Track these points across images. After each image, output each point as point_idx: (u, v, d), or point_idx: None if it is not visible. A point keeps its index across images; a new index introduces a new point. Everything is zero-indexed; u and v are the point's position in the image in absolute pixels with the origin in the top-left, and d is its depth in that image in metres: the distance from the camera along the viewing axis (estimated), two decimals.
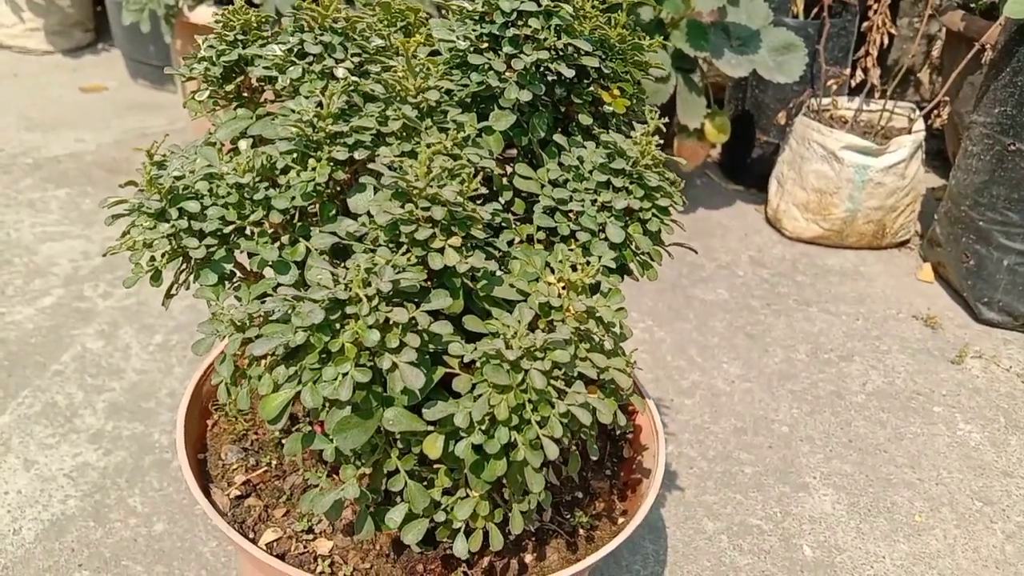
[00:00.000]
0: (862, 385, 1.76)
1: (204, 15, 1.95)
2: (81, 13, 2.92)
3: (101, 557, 1.25)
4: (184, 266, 0.76)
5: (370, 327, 0.61)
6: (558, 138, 0.78)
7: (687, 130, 2.08)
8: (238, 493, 0.89)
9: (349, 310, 0.62)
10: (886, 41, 2.19)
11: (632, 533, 0.87)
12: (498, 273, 0.70)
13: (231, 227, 0.71)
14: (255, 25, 0.80)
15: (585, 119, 0.81)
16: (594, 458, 0.78)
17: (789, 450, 1.58)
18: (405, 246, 0.65)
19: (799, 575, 1.33)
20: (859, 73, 2.22)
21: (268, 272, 0.74)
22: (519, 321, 0.65)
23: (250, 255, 0.74)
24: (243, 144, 0.75)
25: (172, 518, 1.32)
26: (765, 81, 2.31)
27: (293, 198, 0.70)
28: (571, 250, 0.72)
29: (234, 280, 0.77)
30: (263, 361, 0.70)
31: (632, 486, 0.98)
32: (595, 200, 0.75)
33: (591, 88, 0.83)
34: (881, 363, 1.83)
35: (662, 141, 0.76)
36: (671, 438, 1.59)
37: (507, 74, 0.76)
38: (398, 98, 0.72)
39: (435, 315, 0.66)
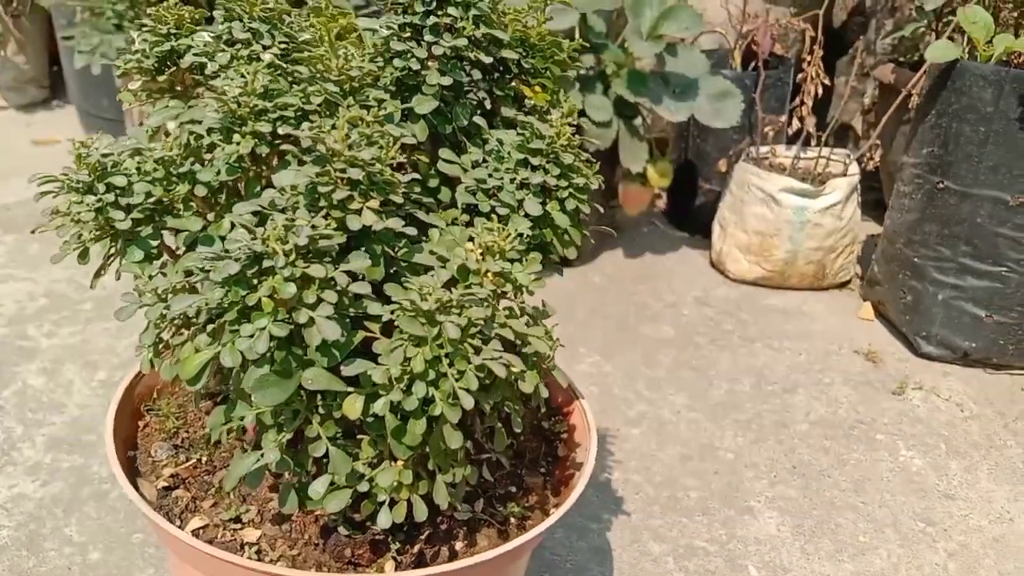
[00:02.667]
0: (805, 415, 1.79)
1: None
2: (36, 70, 2.96)
3: None
4: (112, 246, 0.78)
5: (287, 280, 0.63)
6: (479, 120, 0.82)
7: (631, 174, 2.14)
8: (166, 485, 0.88)
9: (266, 264, 0.63)
10: (820, 92, 2.30)
11: (563, 517, 0.88)
12: (419, 243, 0.72)
13: (156, 202, 0.73)
14: (188, 21, 0.84)
15: (508, 111, 0.85)
16: (517, 430, 0.79)
17: (734, 476, 1.59)
18: (324, 209, 0.68)
19: None
20: (795, 122, 2.32)
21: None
22: (437, 281, 0.67)
23: (176, 233, 0.76)
24: (171, 124, 0.77)
25: (109, 547, 1.29)
26: (706, 131, 2.40)
27: (218, 172, 0.72)
28: (491, 223, 0.75)
29: (161, 260, 0.78)
30: (186, 333, 0.71)
31: (565, 481, 0.99)
32: (514, 179, 0.78)
33: (513, 83, 0.87)
34: (824, 394, 1.86)
35: (576, 124, 0.80)
36: (617, 465, 1.60)
37: (429, 62, 0.80)
38: (321, 78, 0.75)
39: (355, 279, 0.68)
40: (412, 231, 0.69)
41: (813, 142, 2.32)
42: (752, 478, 1.59)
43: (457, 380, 0.65)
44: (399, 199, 0.69)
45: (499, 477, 0.97)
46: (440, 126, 0.83)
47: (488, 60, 0.78)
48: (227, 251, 0.64)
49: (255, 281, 0.64)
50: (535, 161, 0.78)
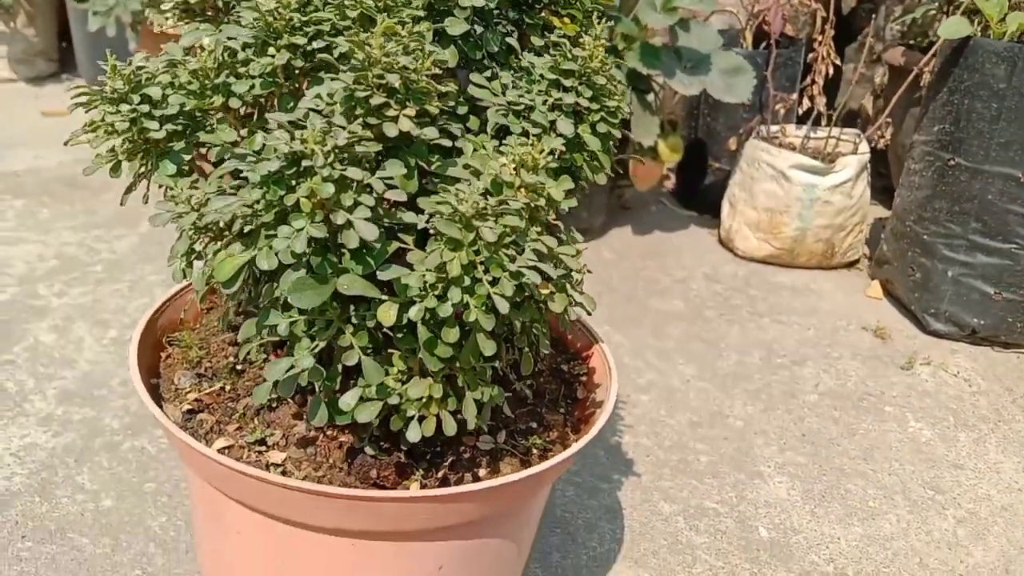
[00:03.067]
0: (814, 386, 1.80)
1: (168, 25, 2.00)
2: (45, 43, 2.96)
3: (46, 530, 1.22)
4: (144, 163, 0.78)
5: (325, 180, 0.63)
6: (512, 41, 0.82)
7: (642, 148, 2.15)
8: (190, 408, 0.88)
9: (304, 164, 0.64)
10: (831, 71, 2.30)
11: (585, 446, 0.88)
12: (452, 158, 0.72)
13: (189, 117, 0.73)
14: None
15: (537, 41, 0.86)
16: (545, 352, 0.79)
17: (744, 442, 1.60)
18: (360, 118, 0.68)
19: (755, 553, 1.33)
20: (806, 101, 2.32)
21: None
22: (472, 188, 0.67)
23: (208, 149, 0.76)
24: (206, 40, 0.78)
25: (121, 495, 1.29)
26: (716, 110, 2.40)
27: (252, 86, 0.73)
28: (524, 140, 0.75)
29: (193, 177, 0.78)
30: (219, 243, 0.72)
31: (585, 419, 0.99)
32: (546, 100, 0.78)
33: (543, 13, 0.87)
34: (833, 367, 1.87)
35: (609, 43, 0.80)
36: (628, 430, 1.60)
37: None
38: None
39: (390, 188, 0.68)
40: (447, 142, 0.70)
41: (824, 122, 2.33)
42: (762, 444, 1.59)
43: (493, 286, 0.66)
44: (435, 110, 0.69)
45: (520, 415, 0.97)
46: (471, 52, 0.83)
47: None
48: (262, 152, 0.65)
49: (293, 182, 0.64)
50: (567, 83, 0.78)
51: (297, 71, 0.75)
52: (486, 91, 0.82)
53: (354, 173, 0.64)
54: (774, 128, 2.29)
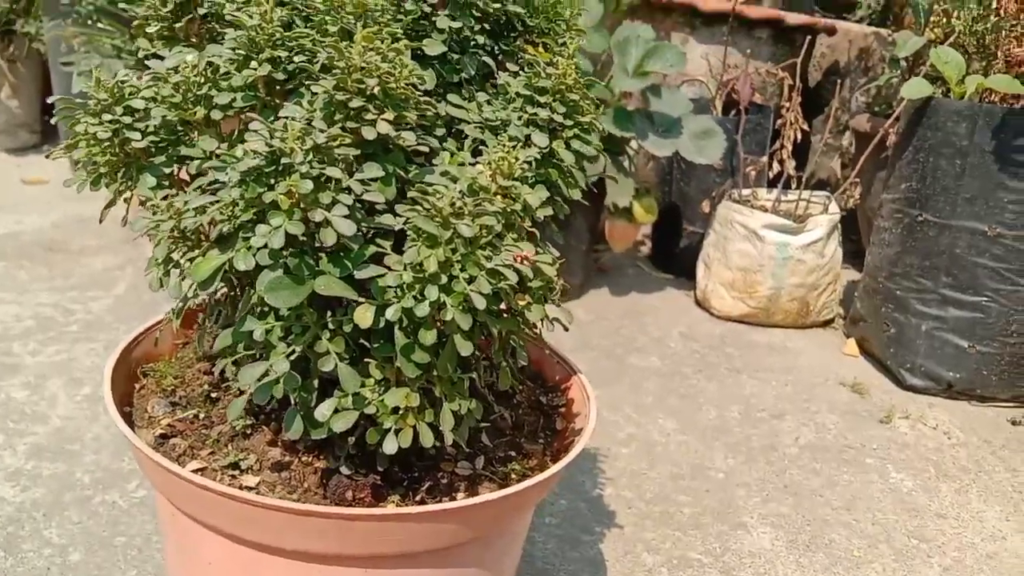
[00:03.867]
0: (794, 439, 1.79)
1: None
2: (28, 115, 2.99)
3: None
4: (125, 181, 0.78)
5: (304, 176, 0.64)
6: (488, 60, 0.84)
7: (617, 210, 2.18)
8: (163, 433, 0.86)
9: (284, 162, 0.64)
10: (799, 136, 2.37)
11: (566, 467, 0.87)
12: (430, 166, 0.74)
13: (171, 131, 0.74)
14: None
15: (512, 67, 0.88)
16: (523, 363, 0.79)
17: (726, 493, 1.58)
18: (339, 123, 0.69)
19: None
20: (776, 165, 2.38)
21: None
22: (450, 190, 0.68)
23: (188, 162, 0.77)
24: (189, 56, 0.79)
25: (90, 549, 1.25)
26: (689, 174, 2.45)
27: (234, 98, 0.74)
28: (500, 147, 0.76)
29: (174, 191, 0.79)
30: (198, 250, 0.72)
31: (565, 449, 0.98)
32: (521, 116, 0.80)
33: (518, 42, 0.90)
34: (812, 421, 1.87)
35: (578, 64, 0.82)
36: (609, 482, 1.58)
37: (439, 9, 0.83)
38: (336, 9, 0.77)
39: (367, 192, 0.69)
40: (425, 148, 0.71)
41: (793, 184, 2.38)
42: (744, 496, 1.58)
43: (470, 284, 0.66)
44: (413, 116, 0.70)
45: (499, 444, 0.96)
46: (448, 74, 0.85)
47: (496, 7, 0.81)
48: (244, 156, 0.65)
49: (272, 181, 0.65)
50: (542, 99, 0.80)
51: (278, 85, 0.76)
52: (463, 110, 0.83)
53: (333, 171, 0.65)
54: (746, 191, 2.33)
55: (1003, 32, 1.99)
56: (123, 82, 0.75)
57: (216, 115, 0.74)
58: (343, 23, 0.75)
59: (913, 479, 1.69)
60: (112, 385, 0.90)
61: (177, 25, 0.85)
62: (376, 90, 0.68)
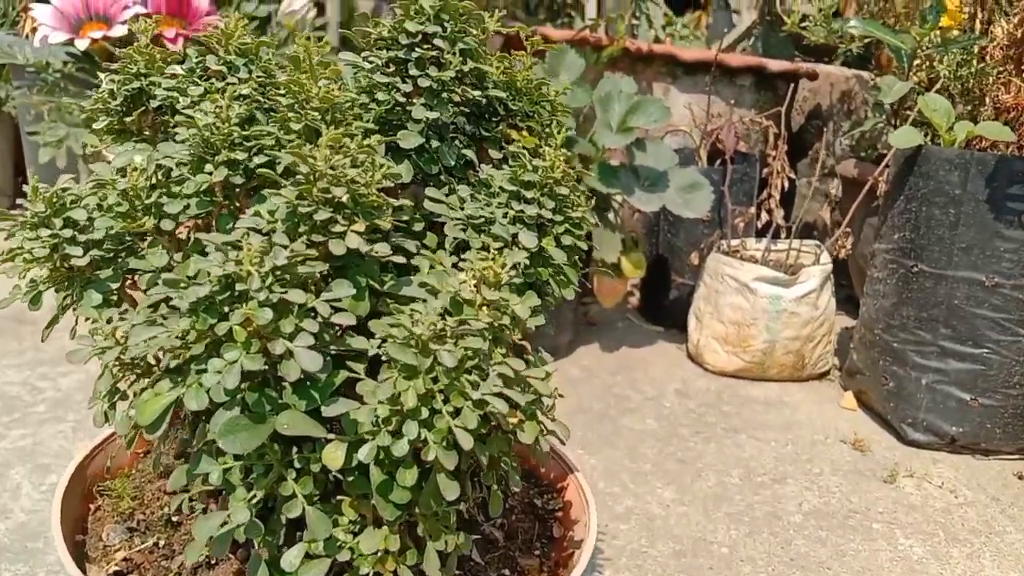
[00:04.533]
0: (798, 506, 1.70)
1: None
2: (2, 179, 2.90)
3: None
4: (68, 294, 0.70)
5: (262, 305, 0.55)
6: (468, 153, 0.77)
7: (605, 265, 2.11)
8: (117, 570, 0.77)
9: (239, 288, 0.56)
10: (786, 185, 2.31)
11: None
12: (407, 275, 0.65)
13: (118, 241, 0.66)
14: (160, 61, 0.79)
15: (495, 154, 0.80)
16: (516, 490, 0.70)
17: (731, 571, 1.48)
18: (304, 235, 0.61)
19: None
20: (764, 215, 2.32)
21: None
22: (429, 308, 0.60)
23: (138, 275, 0.69)
24: (138, 158, 0.71)
25: None
26: (676, 226, 2.39)
27: (187, 205, 0.66)
28: (485, 254, 0.68)
29: (121, 307, 0.70)
30: (146, 381, 0.63)
31: (564, 562, 0.89)
32: (507, 212, 0.72)
33: (500, 127, 0.82)
34: (815, 484, 1.78)
35: (570, 155, 0.75)
36: (608, 563, 1.48)
37: (414, 98, 0.75)
38: (301, 105, 0.70)
39: (337, 311, 0.61)
40: (400, 259, 0.63)
41: (783, 234, 2.32)
42: (750, 572, 1.48)
43: (454, 418, 0.57)
44: (387, 225, 0.62)
45: (490, 560, 0.87)
46: (426, 166, 0.78)
47: (476, 94, 0.74)
48: (195, 277, 0.57)
49: (226, 308, 0.57)
50: (529, 194, 0.72)
51: (237, 188, 0.68)
52: (443, 205, 0.76)
53: (295, 296, 0.56)
54: (735, 242, 2.27)
55: (990, 78, 1.95)
56: (64, 190, 0.67)
57: (167, 225, 0.66)
58: (308, 119, 0.68)
59: (923, 545, 1.61)
60: (63, 510, 0.81)
61: (128, 119, 0.77)
62: (345, 198, 0.60)
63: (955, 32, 2.13)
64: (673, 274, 2.42)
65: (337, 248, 0.59)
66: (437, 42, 0.73)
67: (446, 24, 0.73)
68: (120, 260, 0.68)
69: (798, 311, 2.10)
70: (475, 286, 0.64)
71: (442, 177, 0.78)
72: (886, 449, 1.95)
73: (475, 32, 0.74)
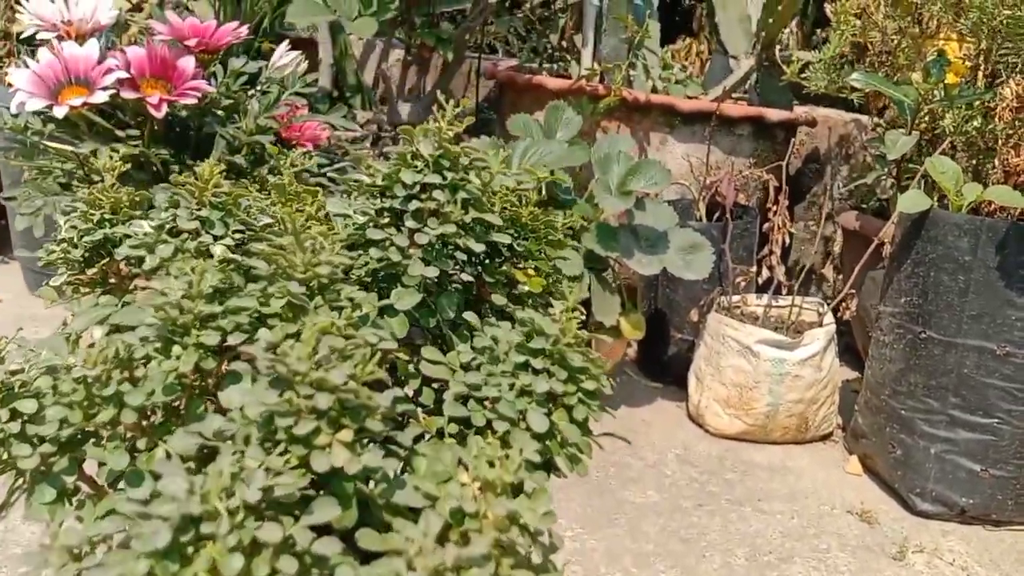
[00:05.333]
0: None
1: None
2: None
3: None
4: (18, 480, 0.61)
5: (231, 550, 0.47)
6: (469, 316, 0.68)
7: (603, 328, 2.03)
8: None
9: (205, 529, 0.48)
10: (787, 240, 2.23)
11: None
12: (401, 476, 0.57)
13: (74, 431, 0.57)
14: (127, 204, 0.70)
15: (499, 299, 0.72)
16: None
17: None
18: (283, 444, 0.53)
19: None
20: (764, 271, 2.24)
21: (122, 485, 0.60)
22: (425, 533, 0.51)
23: (100, 464, 0.60)
24: (98, 332, 0.63)
25: None
26: (676, 281, 2.31)
27: (151, 393, 0.57)
28: (488, 443, 0.60)
29: (79, 496, 0.61)
30: None
31: None
32: (513, 384, 0.64)
33: (504, 268, 0.74)
34: (823, 563, 1.70)
35: (584, 318, 0.67)
36: None
37: (411, 250, 0.67)
38: (283, 275, 0.61)
39: (320, 531, 0.52)
40: (394, 465, 0.54)
41: (784, 291, 2.24)
42: None
43: None
44: (378, 426, 0.54)
45: None
46: (422, 319, 0.69)
47: (480, 249, 0.66)
48: (154, 508, 0.49)
49: (190, 549, 0.48)
50: (537, 363, 0.64)
51: (209, 372, 0.60)
52: (442, 367, 0.67)
53: (270, 534, 0.48)
54: (735, 298, 2.19)
55: (999, 140, 1.88)
56: (13, 373, 0.59)
57: (128, 416, 0.57)
58: (290, 295, 0.59)
59: None
60: None
61: (90, 271, 0.68)
62: (331, 404, 0.52)
63: (957, 86, 2.06)
64: (672, 329, 2.34)
65: (319, 464, 0.51)
66: (436, 194, 0.65)
67: (446, 173, 0.65)
68: (76, 449, 0.59)
69: (802, 374, 2.02)
70: (480, 492, 0.56)
71: (441, 330, 0.70)
72: (894, 520, 1.87)
73: (476, 181, 0.66)
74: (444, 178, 0.66)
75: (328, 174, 2.07)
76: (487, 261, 0.74)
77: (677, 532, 1.75)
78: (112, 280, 0.70)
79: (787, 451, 2.11)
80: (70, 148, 1.78)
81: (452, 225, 0.65)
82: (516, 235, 0.74)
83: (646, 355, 2.48)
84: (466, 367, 0.66)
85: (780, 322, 2.16)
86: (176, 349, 0.58)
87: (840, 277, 2.53)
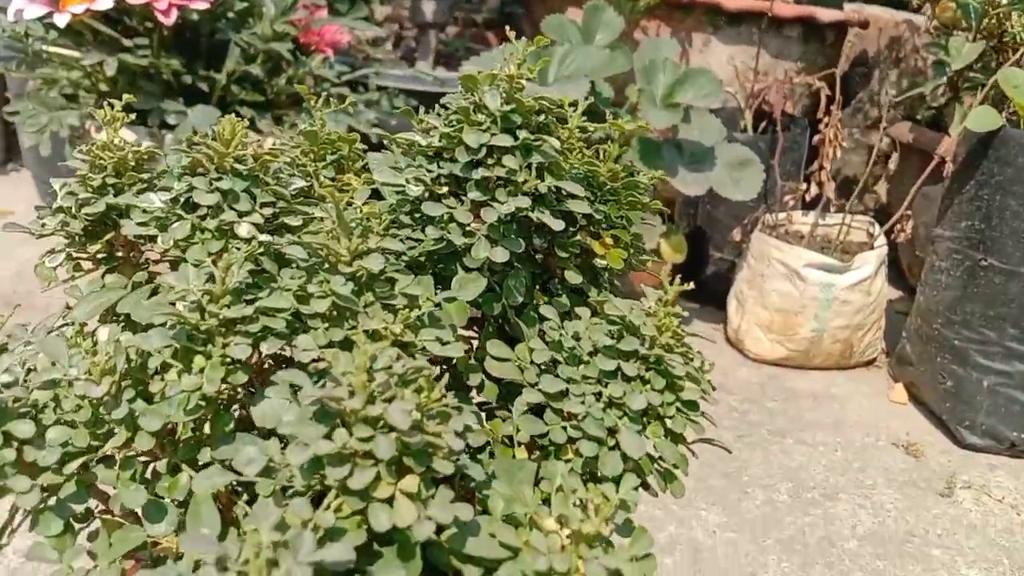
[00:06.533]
0: (852, 528, 1.55)
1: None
2: None
3: None
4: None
5: None
6: (545, 310, 0.57)
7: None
8: None
9: None
10: (839, 154, 2.08)
11: None
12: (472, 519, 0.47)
13: (80, 456, 0.47)
14: (134, 165, 0.58)
15: (573, 276, 0.60)
16: None
17: None
18: (335, 493, 0.42)
19: None
20: (813, 187, 2.10)
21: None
22: None
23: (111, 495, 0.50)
24: (103, 332, 0.52)
25: None
26: (717, 197, 2.17)
27: (170, 416, 0.47)
28: (571, 470, 0.50)
29: (90, 522, 0.52)
30: None
31: None
32: (599, 394, 0.53)
33: (578, 237, 0.62)
34: (868, 500, 1.63)
35: (684, 313, 0.55)
36: None
37: (474, 226, 0.55)
38: (325, 265, 0.50)
39: None
40: (468, 514, 0.44)
41: (832, 208, 2.10)
42: None
43: None
44: (448, 468, 0.43)
45: None
46: (485, 306, 0.58)
47: (560, 227, 0.54)
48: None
49: None
50: (630, 369, 0.53)
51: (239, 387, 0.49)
52: (509, 366, 0.56)
53: None
54: (780, 216, 2.05)
55: None
56: (6, 386, 0.48)
57: (144, 442, 0.47)
58: (335, 295, 0.48)
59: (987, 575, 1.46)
60: None
61: (92, 247, 0.57)
62: (391, 452, 0.41)
63: None
64: (712, 249, 2.21)
65: (380, 521, 0.41)
66: (506, 159, 0.52)
67: (518, 132, 0.53)
68: (85, 472, 0.50)
69: (850, 299, 1.90)
70: (569, 537, 0.46)
71: (507, 318, 0.59)
72: (940, 453, 1.79)
73: (554, 143, 0.53)
74: (515, 138, 0.53)
75: (348, 80, 1.92)
76: (559, 231, 0.61)
77: (717, 467, 1.68)
78: (120, 254, 0.59)
79: (830, 378, 2.02)
80: (74, 55, 1.64)
81: (526, 197, 0.53)
82: (592, 199, 0.61)
83: (684, 276, 2.37)
84: (542, 368, 0.55)
85: (827, 242, 2.03)
86: (199, 361, 0.47)
87: (889, 193, 2.38)
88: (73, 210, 0.56)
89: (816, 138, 2.10)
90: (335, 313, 0.49)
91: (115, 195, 0.56)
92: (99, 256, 0.58)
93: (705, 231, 2.21)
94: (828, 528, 1.54)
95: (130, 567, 0.59)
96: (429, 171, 0.54)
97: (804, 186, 2.03)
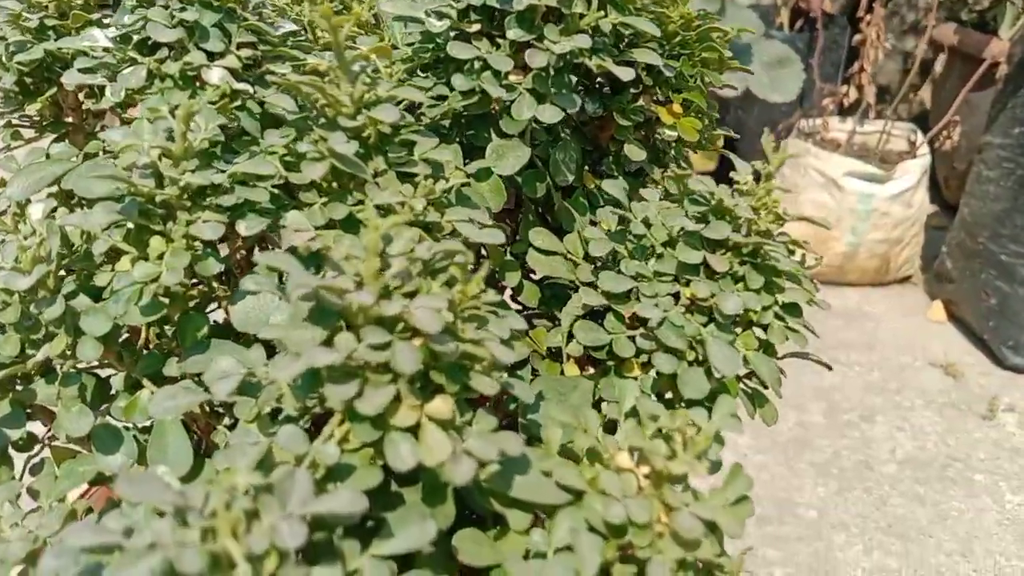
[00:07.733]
0: (891, 452, 1.45)
1: None
2: None
3: None
4: None
5: None
6: (608, 185, 0.44)
7: None
8: None
9: None
10: (881, 56, 1.91)
11: None
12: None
13: (7, 369, 0.36)
14: (81, 3, 0.45)
15: (636, 152, 0.48)
16: None
17: (821, 542, 1.26)
18: (339, 419, 0.31)
19: None
20: (852, 91, 1.94)
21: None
22: (578, 572, 0.31)
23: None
24: (36, 209, 0.40)
25: None
26: (749, 100, 2.01)
27: (120, 316, 0.35)
28: (642, 391, 0.38)
29: (34, 449, 0.41)
30: None
31: None
32: (677, 294, 0.41)
33: (640, 102, 0.49)
34: (907, 423, 1.52)
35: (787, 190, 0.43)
36: None
37: (513, 78, 0.42)
38: (321, 120, 0.37)
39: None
40: (516, 448, 0.32)
41: (872, 114, 1.95)
42: (843, 543, 1.26)
43: None
44: (491, 387, 0.32)
45: None
46: (526, 186, 0.46)
47: (629, 76, 0.41)
48: (132, 545, 0.28)
49: None
50: (719, 263, 0.41)
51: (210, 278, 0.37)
52: (558, 260, 0.44)
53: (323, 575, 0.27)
54: (816, 122, 1.90)
55: None
56: None
57: (90, 352, 0.35)
58: (335, 157, 0.35)
59: None
60: None
61: (31, 106, 0.44)
62: (413, 364, 0.29)
63: None
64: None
65: (399, 458, 0.29)
66: None
67: None
68: (20, 388, 0.38)
69: (890, 211, 1.77)
70: (647, 477, 0.34)
71: (550, 203, 0.46)
72: (981, 374, 1.68)
73: None
74: None
75: None
76: (615, 92, 0.48)
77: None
78: (70, 120, 0.46)
79: (864, 295, 1.90)
80: None
81: (584, 36, 0.40)
82: (663, 53, 0.48)
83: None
84: (597, 263, 0.43)
85: (865, 151, 1.89)
86: (156, 244, 0.35)
87: (932, 98, 2.21)
88: (3, 58, 0.43)
89: (856, 38, 1.93)
90: (334, 184, 0.37)
91: (56, 39, 0.43)
92: (43, 121, 0.46)
93: (733, 140, 2.05)
94: (866, 451, 1.44)
95: (98, 495, 0.48)
96: (457, 4, 0.41)
97: (844, 89, 1.87)
